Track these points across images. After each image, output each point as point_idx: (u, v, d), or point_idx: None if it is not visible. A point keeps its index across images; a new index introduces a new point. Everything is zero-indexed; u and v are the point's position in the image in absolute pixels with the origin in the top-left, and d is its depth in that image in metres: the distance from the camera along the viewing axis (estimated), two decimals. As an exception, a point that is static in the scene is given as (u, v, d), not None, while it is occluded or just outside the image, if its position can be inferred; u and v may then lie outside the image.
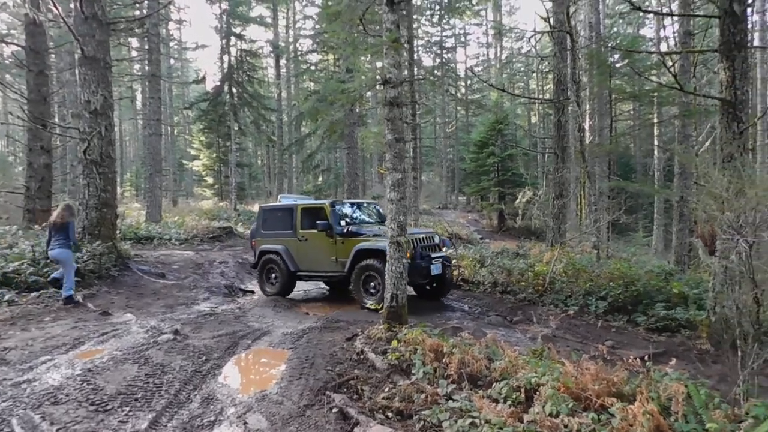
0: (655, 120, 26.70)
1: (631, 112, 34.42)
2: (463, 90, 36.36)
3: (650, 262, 14.16)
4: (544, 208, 12.99)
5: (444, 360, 5.34)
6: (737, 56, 8.77)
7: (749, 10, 24.98)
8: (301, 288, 12.12)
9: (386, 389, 4.88)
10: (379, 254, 8.96)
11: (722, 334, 6.44)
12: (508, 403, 4.59)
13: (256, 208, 28.78)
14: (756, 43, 27.26)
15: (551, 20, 14.06)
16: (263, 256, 10.91)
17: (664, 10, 17.06)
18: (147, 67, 18.97)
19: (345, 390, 4.93)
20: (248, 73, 28.33)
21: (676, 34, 16.64)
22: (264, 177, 43.54)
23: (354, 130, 20.15)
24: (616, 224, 26.92)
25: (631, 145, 38.18)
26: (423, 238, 9.88)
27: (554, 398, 4.46)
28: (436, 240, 10.45)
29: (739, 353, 5.37)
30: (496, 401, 4.65)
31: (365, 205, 11.59)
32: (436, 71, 29.31)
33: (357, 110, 22.33)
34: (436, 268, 9.55)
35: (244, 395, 4.91)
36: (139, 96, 38.17)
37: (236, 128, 27.49)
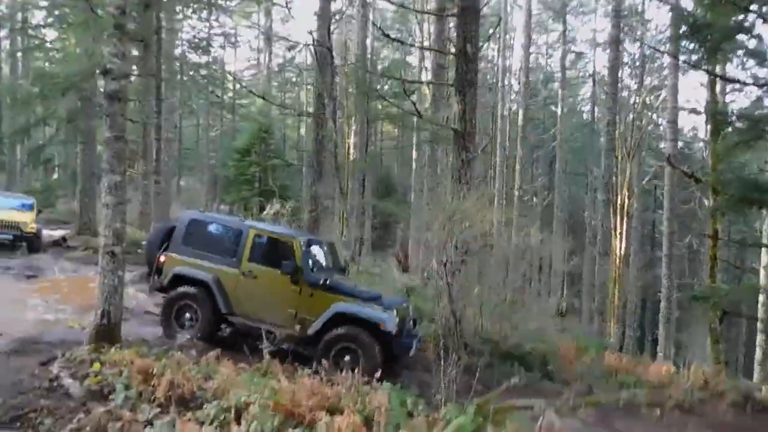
0: (414, 143, 29.68)
1: (395, 133, 37.68)
2: (231, 93, 35.84)
3: (401, 278, 15.57)
4: (293, 221, 13.46)
5: (153, 382, 5.14)
6: (468, 92, 10.23)
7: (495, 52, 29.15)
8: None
9: (76, 419, 4.50)
10: (364, 325, 7.48)
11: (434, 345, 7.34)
12: (215, 424, 4.59)
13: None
14: (500, 84, 32.24)
15: (315, 35, 14.73)
16: (177, 283, 8.36)
17: (426, 44, 19.05)
18: None
19: (21, 424, 4.41)
20: (-46, 40, 23.97)
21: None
22: (-25, 170, 37.06)
23: (92, 123, 18.33)
24: (377, 240, 29.04)
25: (394, 165, 41.70)
26: (406, 307, 8.38)
27: (261, 416, 4.60)
28: (411, 311, 8.76)
29: (442, 363, 6.22)
30: (203, 423, 4.63)
31: (323, 243, 9.56)
32: (201, 70, 28.46)
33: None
34: (415, 347, 8.10)
35: None
36: None
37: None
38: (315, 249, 8.70)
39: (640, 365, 11.85)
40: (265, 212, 14.07)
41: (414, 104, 9.57)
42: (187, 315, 8.25)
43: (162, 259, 8.62)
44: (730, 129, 13.13)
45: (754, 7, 10.62)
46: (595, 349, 12.54)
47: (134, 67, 16.67)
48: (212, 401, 4.95)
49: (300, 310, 7.98)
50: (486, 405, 6.06)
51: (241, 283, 8.23)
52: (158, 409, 4.75)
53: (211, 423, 4.60)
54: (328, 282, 7.93)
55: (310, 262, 8.26)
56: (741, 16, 11.25)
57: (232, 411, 4.76)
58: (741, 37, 11.78)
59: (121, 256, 6.15)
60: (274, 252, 8.25)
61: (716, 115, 13.97)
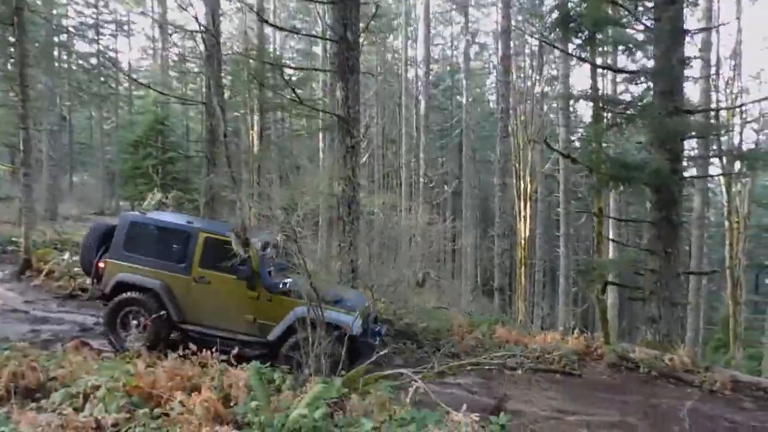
0: (321, 129, 29.62)
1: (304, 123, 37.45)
2: (125, 84, 34.36)
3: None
4: (179, 211, 13.29)
5: (-6, 376, 5.01)
6: (350, 78, 10.47)
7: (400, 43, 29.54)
8: None
9: None
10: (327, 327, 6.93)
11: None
12: (57, 411, 4.55)
13: None
14: (406, 73, 32.83)
15: (203, 21, 14.39)
16: (121, 290, 7.79)
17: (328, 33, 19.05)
18: None
19: None
20: None
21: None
22: None
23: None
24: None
25: (304, 152, 41.43)
26: (368, 306, 8.28)
27: (107, 398, 4.61)
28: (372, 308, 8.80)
29: (310, 340, 6.41)
30: (46, 410, 4.58)
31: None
32: (91, 59, 27.16)
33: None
34: (378, 343, 7.98)
35: None
36: None
37: None
38: (270, 251, 8.16)
39: (528, 336, 12.57)
40: (145, 203, 13.70)
41: (295, 91, 9.72)
42: (134, 322, 7.62)
43: (101, 265, 7.96)
44: (605, 114, 14.19)
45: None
46: (486, 324, 13.19)
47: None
48: (61, 389, 4.89)
49: (259, 316, 7.72)
50: (354, 377, 6.34)
51: (193, 288, 7.84)
52: (-2, 402, 4.65)
53: (54, 410, 4.55)
54: (287, 286, 7.64)
55: (267, 265, 7.96)
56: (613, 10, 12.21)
57: (81, 397, 4.74)
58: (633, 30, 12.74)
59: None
60: (227, 256, 7.55)
61: (594, 101, 15.02)
